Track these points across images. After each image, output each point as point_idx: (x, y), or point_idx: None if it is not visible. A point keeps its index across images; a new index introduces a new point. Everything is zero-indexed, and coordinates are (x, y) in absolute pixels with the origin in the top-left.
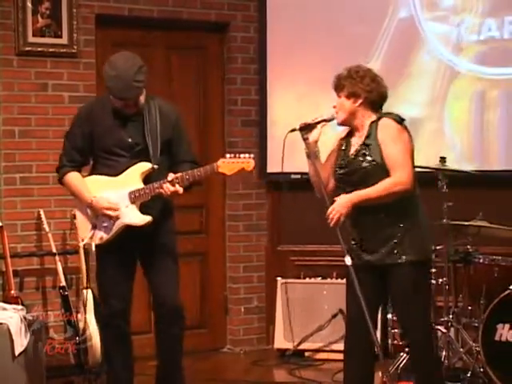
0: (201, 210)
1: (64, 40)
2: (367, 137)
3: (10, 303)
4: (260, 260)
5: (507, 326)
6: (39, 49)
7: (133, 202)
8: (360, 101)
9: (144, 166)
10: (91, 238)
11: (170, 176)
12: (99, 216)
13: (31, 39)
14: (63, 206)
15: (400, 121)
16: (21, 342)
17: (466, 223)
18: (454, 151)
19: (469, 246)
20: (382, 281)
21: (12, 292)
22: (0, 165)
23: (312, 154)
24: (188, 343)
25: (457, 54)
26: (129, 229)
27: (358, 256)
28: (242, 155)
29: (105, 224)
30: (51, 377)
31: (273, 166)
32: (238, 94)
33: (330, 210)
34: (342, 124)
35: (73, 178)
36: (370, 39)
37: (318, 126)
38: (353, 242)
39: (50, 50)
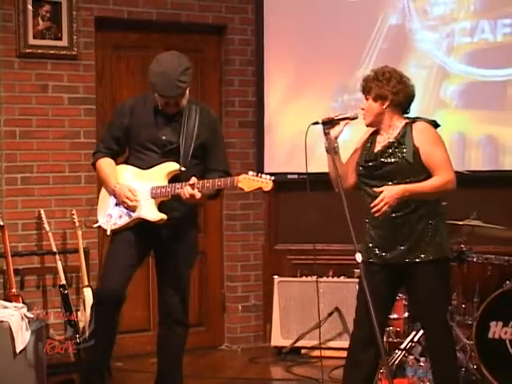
0: (199, 209)
1: (64, 42)
2: (402, 136)
3: (11, 301)
4: (257, 259)
5: (500, 323)
6: (40, 51)
7: (153, 197)
8: (387, 103)
9: (172, 166)
10: (105, 222)
11: (192, 180)
12: (119, 204)
13: (32, 41)
14: (63, 206)
15: (435, 126)
16: (22, 340)
17: (460, 223)
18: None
19: (463, 245)
20: (396, 279)
21: (13, 290)
22: (1, 165)
23: (331, 150)
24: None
25: (448, 56)
26: (147, 224)
27: (374, 254)
28: (263, 175)
29: (122, 213)
30: (52, 374)
31: (270, 167)
32: (236, 96)
33: (378, 199)
34: (369, 125)
35: (104, 163)
36: (362, 43)
37: (341, 123)
38: (370, 240)
39: (51, 52)
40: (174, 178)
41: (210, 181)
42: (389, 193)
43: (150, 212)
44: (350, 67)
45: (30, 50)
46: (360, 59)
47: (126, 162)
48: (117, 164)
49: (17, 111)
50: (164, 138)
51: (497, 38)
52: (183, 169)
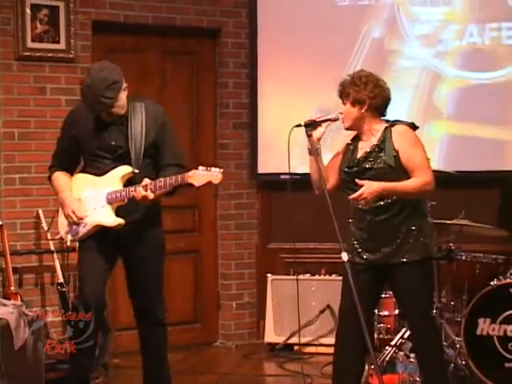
0: (194, 209)
1: (62, 45)
2: (382, 141)
3: (10, 299)
4: (251, 257)
5: (488, 320)
6: (38, 54)
7: (109, 203)
8: (365, 107)
9: (125, 170)
10: (67, 233)
11: (145, 181)
12: (68, 220)
13: (30, 44)
14: None
15: (414, 128)
16: (20, 337)
17: (449, 222)
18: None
19: (451, 244)
20: (380, 279)
21: (11, 288)
22: (0, 166)
23: (314, 151)
24: (181, 337)
25: (440, 61)
26: (107, 230)
27: (360, 255)
28: (213, 168)
29: (82, 222)
30: (49, 370)
31: (263, 167)
32: (230, 98)
33: (358, 193)
34: (349, 129)
35: (57, 176)
36: (351, 45)
37: (323, 124)
38: (355, 242)
39: (49, 54)
40: (129, 181)
41: (162, 180)
42: (368, 188)
43: (107, 218)
44: (340, 68)
45: (29, 53)
46: (349, 59)
47: (83, 171)
48: (73, 174)
49: (15, 113)
50: (113, 143)
51: (485, 41)
52: (136, 171)
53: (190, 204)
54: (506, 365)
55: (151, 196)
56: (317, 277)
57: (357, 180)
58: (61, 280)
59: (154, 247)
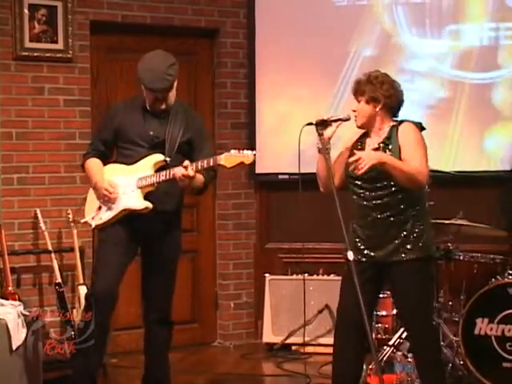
0: (192, 209)
1: (60, 45)
2: (388, 138)
3: (8, 299)
4: (249, 257)
5: (486, 320)
6: (36, 54)
7: (139, 187)
8: (380, 106)
9: (157, 157)
10: (93, 218)
11: (185, 162)
12: (104, 200)
13: (28, 44)
14: (59, 206)
15: (421, 128)
16: (18, 337)
17: (447, 222)
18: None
19: (449, 244)
20: (381, 277)
21: (9, 288)
22: None
23: (324, 150)
24: (180, 337)
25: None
26: (135, 219)
27: (362, 253)
28: (244, 151)
29: (108, 207)
30: (47, 370)
31: (261, 167)
32: (228, 98)
33: (356, 157)
34: (360, 127)
35: (91, 162)
36: (347, 47)
37: (334, 124)
38: (357, 240)
39: (47, 54)
40: (160, 170)
41: (194, 163)
42: (366, 154)
43: (135, 201)
44: (338, 68)
45: (27, 53)
46: (347, 58)
47: (115, 162)
48: (105, 165)
49: (13, 113)
50: (152, 133)
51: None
52: (168, 159)
53: (189, 204)
54: (504, 364)
55: (192, 173)
56: (315, 277)
57: (355, 151)
58: (59, 280)
59: (176, 245)
